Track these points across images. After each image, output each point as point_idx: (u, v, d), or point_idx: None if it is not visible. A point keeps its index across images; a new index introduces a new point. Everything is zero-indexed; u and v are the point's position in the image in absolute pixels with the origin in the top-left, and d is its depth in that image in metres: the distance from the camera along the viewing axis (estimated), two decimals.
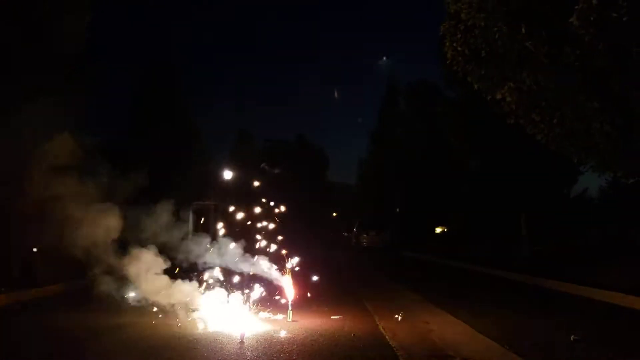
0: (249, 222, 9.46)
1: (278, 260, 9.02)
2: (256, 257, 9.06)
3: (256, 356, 6.29)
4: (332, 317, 8.69)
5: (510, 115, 9.48)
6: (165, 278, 8.99)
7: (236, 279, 8.90)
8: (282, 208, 9.72)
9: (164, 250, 9.27)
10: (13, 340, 7.32)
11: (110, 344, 6.99)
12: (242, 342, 6.91)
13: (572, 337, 6.88)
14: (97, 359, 6.41)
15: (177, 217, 9.91)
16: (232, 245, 9.17)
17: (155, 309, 8.77)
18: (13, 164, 10.52)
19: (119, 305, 9.12)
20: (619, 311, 9.56)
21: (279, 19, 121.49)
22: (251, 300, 8.60)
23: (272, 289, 8.89)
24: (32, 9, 9.29)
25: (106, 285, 9.06)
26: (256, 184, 10.17)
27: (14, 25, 9.12)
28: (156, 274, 8.98)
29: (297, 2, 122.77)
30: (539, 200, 20.48)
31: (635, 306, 9.51)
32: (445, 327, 7.98)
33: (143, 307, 8.91)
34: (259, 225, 9.49)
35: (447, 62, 9.90)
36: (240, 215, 9.46)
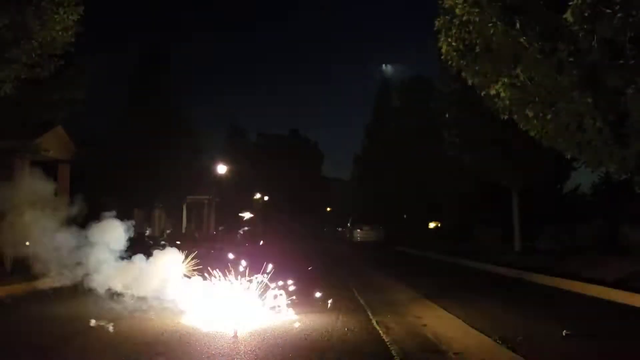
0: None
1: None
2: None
3: (249, 350, 6.28)
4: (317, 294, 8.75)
5: (504, 110, 9.51)
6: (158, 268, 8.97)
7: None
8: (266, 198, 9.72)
9: None
10: (3, 332, 7.28)
11: (100, 338, 6.95)
12: (235, 336, 6.91)
13: (564, 332, 6.91)
14: (86, 354, 6.38)
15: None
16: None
17: (146, 302, 8.76)
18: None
19: (110, 298, 9.09)
20: (610, 306, 9.62)
21: (275, 13, 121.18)
22: (245, 293, 8.58)
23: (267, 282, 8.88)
24: (25, 1, 9.21)
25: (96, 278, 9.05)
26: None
27: (6, 17, 9.04)
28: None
29: None
30: (532, 196, 20.55)
31: (625, 301, 9.57)
32: (438, 322, 8.00)
33: (134, 301, 8.88)
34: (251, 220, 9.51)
35: (442, 57, 9.91)
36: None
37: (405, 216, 37.44)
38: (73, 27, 10.13)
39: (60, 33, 9.95)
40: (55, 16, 9.60)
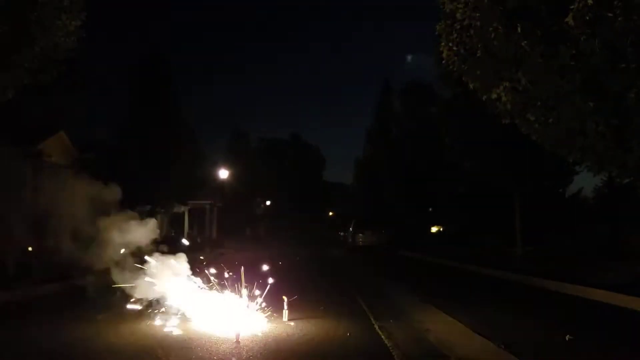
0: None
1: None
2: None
3: (251, 356, 6.27)
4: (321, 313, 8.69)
5: (505, 115, 9.49)
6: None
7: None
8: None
9: None
10: (4, 341, 7.27)
11: (103, 344, 6.95)
12: (237, 341, 6.90)
13: (567, 337, 6.89)
14: (89, 358, 6.38)
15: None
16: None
17: (148, 307, 8.74)
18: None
19: (112, 304, 9.07)
20: (613, 310, 9.59)
21: (276, 16, 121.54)
22: (247, 299, 8.57)
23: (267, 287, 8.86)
24: (27, 7, 9.24)
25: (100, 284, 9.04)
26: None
27: (8, 23, 9.06)
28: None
29: (294, 1, 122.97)
30: (534, 200, 20.54)
31: (629, 305, 9.54)
32: (440, 327, 7.97)
33: (136, 307, 8.86)
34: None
35: (443, 61, 9.91)
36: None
37: (407, 220, 37.38)
38: (76, 32, 10.15)
39: (62, 39, 9.96)
40: (58, 22, 9.62)
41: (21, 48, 9.51)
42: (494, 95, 9.16)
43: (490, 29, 8.40)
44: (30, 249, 12.89)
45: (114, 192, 9.18)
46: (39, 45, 9.67)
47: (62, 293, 11.79)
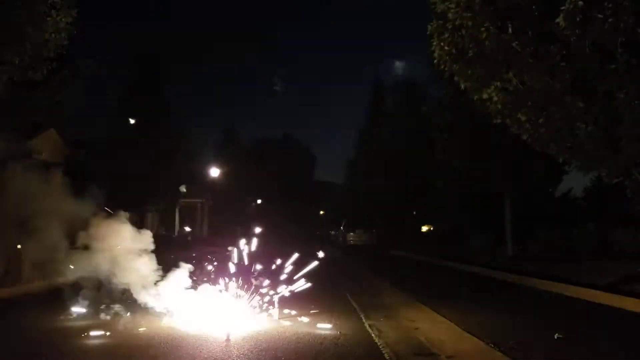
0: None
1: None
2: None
3: (242, 354, 6.27)
4: (312, 311, 8.73)
5: (496, 114, 9.55)
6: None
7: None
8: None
9: None
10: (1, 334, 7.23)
11: (93, 343, 6.91)
12: (228, 340, 6.88)
13: (555, 335, 6.93)
14: (79, 357, 6.34)
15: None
16: None
17: (137, 306, 8.70)
18: None
19: (101, 303, 9.02)
20: (601, 309, 9.65)
21: (268, 17, 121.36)
22: (239, 297, 8.56)
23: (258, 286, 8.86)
24: (17, 4, 9.17)
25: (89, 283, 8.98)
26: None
27: None
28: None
29: (287, 1, 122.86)
30: (524, 200, 20.64)
31: (616, 304, 9.61)
32: (430, 326, 8.00)
33: (126, 305, 8.82)
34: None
35: (434, 61, 9.93)
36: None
37: (398, 219, 37.46)
38: (66, 29, 10.08)
39: (53, 35, 9.89)
40: (49, 18, 9.56)
41: (11, 44, 9.43)
42: (485, 95, 9.22)
43: (482, 29, 8.45)
44: (19, 247, 12.77)
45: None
46: (29, 42, 9.60)
47: (50, 291, 11.70)
